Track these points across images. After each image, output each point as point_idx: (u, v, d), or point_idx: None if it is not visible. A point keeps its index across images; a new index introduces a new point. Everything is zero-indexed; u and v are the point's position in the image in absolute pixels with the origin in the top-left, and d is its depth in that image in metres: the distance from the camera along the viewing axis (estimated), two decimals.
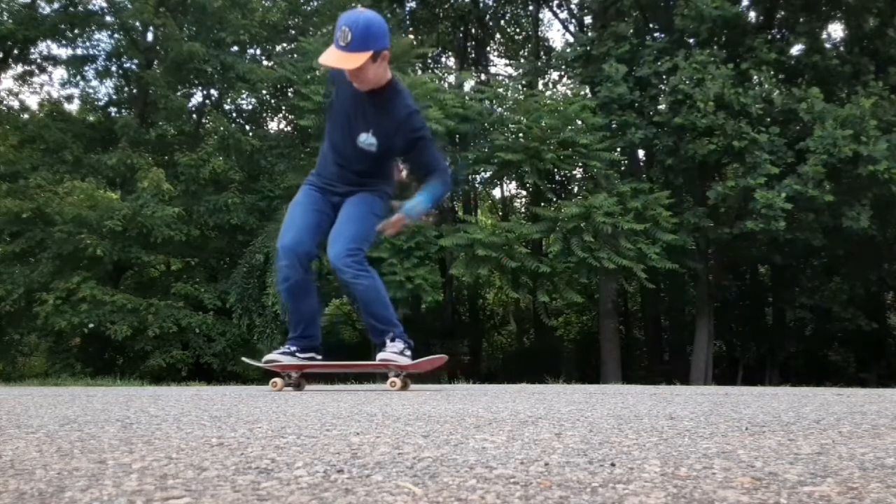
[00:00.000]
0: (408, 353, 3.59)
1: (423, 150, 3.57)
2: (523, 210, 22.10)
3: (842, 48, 16.85)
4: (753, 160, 13.76)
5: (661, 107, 15.32)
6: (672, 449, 1.36)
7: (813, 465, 1.18)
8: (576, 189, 17.20)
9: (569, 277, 14.03)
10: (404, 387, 3.59)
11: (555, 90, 19.50)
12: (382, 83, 3.44)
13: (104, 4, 17.15)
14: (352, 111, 3.53)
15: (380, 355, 3.58)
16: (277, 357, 3.68)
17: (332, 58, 3.32)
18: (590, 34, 17.29)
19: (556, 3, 21.16)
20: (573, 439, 1.50)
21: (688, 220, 14.54)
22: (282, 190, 15.63)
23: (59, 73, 23.73)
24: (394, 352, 3.54)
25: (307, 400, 2.81)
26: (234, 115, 18.53)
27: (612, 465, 1.18)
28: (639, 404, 2.55)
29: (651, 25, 17.36)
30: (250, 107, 18.90)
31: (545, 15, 23.09)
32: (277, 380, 3.65)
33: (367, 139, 3.51)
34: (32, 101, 36.00)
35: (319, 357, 3.75)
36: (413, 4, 20.91)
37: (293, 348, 3.68)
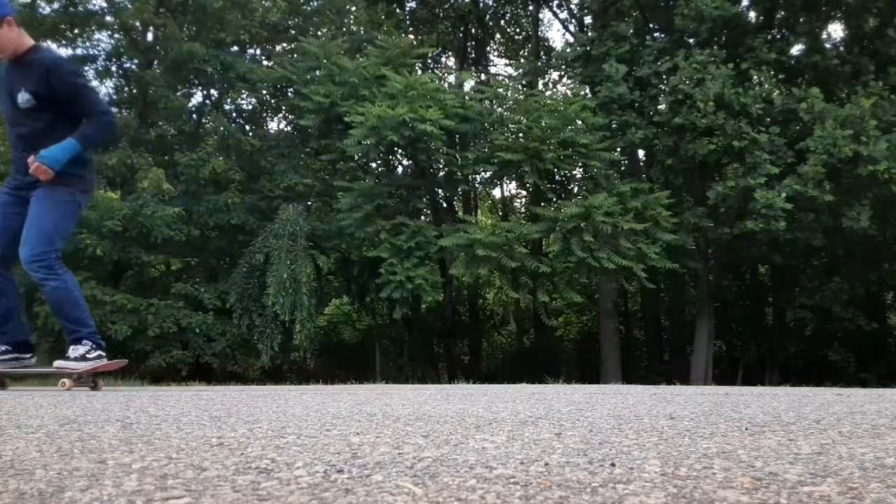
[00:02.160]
0: (93, 353, 3.79)
1: (79, 95, 3.73)
2: (523, 210, 22.07)
3: (842, 48, 16.83)
4: (753, 160, 13.75)
5: (661, 107, 15.30)
6: (672, 449, 1.36)
7: (813, 465, 1.18)
8: (576, 189, 17.17)
9: (569, 277, 14.01)
10: (94, 387, 3.80)
11: (555, 90, 19.49)
12: (24, 48, 3.72)
13: (104, 4, 17.13)
14: (6, 83, 3.74)
15: (56, 362, 3.81)
16: None
17: None
18: (590, 34, 17.27)
19: (556, 3, 21.14)
20: (573, 439, 1.50)
21: (688, 220, 14.52)
22: (281, 190, 15.64)
23: None
24: (73, 356, 3.75)
25: (307, 400, 2.81)
26: (234, 115, 18.51)
27: (612, 465, 1.18)
28: (639, 404, 2.55)
29: (651, 25, 17.35)
30: (250, 107, 18.88)
31: (545, 15, 23.09)
32: None
33: (23, 97, 3.69)
34: None
35: (28, 354, 3.97)
36: (413, 4, 20.94)
37: None
